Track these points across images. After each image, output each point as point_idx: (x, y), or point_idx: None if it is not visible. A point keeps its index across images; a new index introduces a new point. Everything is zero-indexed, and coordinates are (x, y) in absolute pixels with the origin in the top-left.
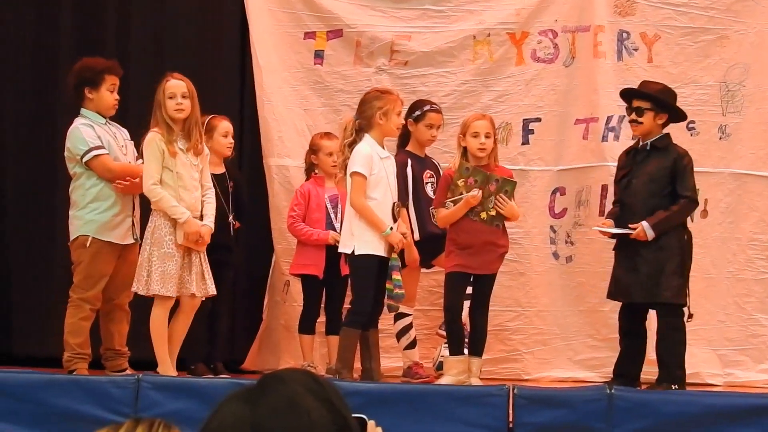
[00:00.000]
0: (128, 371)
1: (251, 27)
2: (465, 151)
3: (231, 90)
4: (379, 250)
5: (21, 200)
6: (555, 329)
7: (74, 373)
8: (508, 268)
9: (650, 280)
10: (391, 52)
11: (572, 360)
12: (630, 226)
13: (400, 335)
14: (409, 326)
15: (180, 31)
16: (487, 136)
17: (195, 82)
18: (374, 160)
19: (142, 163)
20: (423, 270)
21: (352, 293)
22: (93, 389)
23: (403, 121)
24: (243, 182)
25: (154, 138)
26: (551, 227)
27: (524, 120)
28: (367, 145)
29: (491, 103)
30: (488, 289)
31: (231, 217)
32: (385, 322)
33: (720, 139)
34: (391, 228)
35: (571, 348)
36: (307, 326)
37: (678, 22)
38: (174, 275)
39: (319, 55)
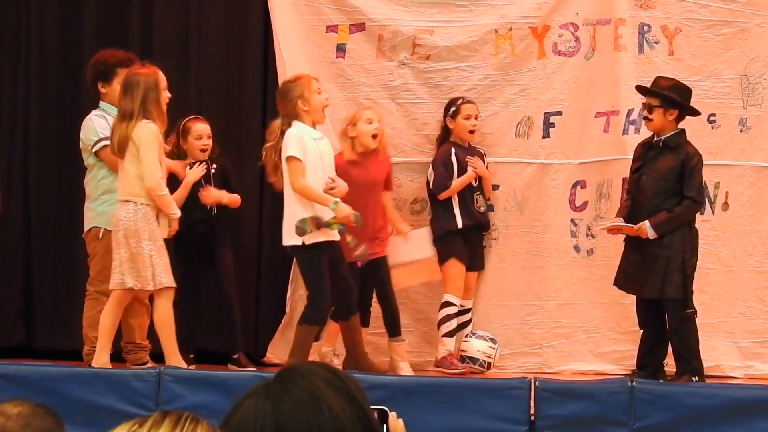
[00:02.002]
0: (149, 364)
1: (274, 20)
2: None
3: (254, 84)
4: (328, 235)
5: (44, 194)
6: (576, 322)
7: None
8: (527, 261)
9: (656, 277)
10: (414, 46)
11: (594, 353)
12: (631, 225)
13: (441, 322)
14: (453, 315)
15: (203, 26)
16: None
17: (219, 76)
18: (306, 140)
19: None
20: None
21: (308, 288)
22: (115, 382)
23: (327, 96)
24: (230, 168)
25: (156, 130)
26: (572, 220)
27: (545, 114)
28: (296, 128)
29: (513, 98)
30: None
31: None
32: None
33: (741, 132)
34: (336, 202)
35: (592, 341)
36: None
37: (699, 15)
38: (169, 265)
39: (341, 49)
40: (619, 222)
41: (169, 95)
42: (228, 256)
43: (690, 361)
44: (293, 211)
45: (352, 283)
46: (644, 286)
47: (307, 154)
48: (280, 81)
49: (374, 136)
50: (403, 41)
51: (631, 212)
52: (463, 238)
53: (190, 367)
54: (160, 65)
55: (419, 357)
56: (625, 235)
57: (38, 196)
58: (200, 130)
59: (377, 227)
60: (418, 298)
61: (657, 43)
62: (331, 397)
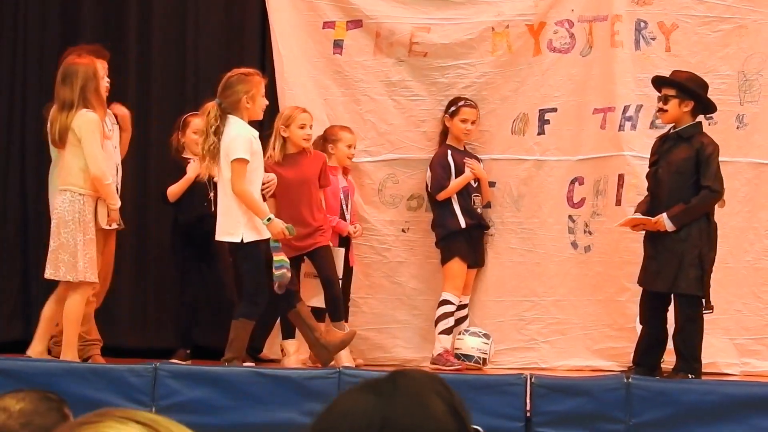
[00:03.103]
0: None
1: (271, 17)
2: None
3: None
4: (266, 233)
5: (41, 189)
6: (573, 319)
7: (89, 360)
8: (523, 258)
9: (670, 271)
10: (411, 44)
11: (590, 349)
12: (649, 218)
13: (439, 320)
14: (451, 313)
15: (201, 22)
16: None
17: (216, 72)
18: (253, 142)
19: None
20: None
21: (246, 283)
22: (111, 378)
23: (267, 102)
24: None
25: (96, 119)
26: (570, 217)
27: (540, 110)
28: (241, 128)
29: (509, 95)
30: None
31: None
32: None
33: (737, 128)
34: (269, 218)
35: (589, 337)
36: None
37: (696, 11)
38: (96, 261)
39: (338, 45)
40: (638, 216)
41: (109, 82)
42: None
43: (690, 361)
44: (230, 209)
45: (292, 275)
46: (656, 279)
47: (253, 155)
48: (278, 77)
49: (305, 140)
50: (401, 38)
51: (651, 207)
52: (466, 238)
53: (186, 363)
54: (157, 62)
55: (415, 353)
56: (645, 232)
57: (35, 192)
58: (198, 125)
59: (316, 221)
60: (415, 294)
61: (654, 39)
62: (439, 407)
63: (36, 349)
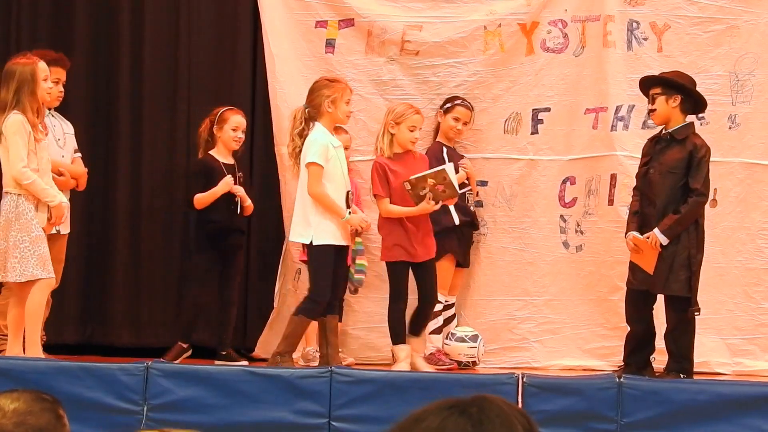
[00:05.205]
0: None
1: (263, 15)
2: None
3: (244, 79)
4: (338, 239)
5: None
6: (565, 318)
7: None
8: (515, 257)
9: (660, 272)
10: (402, 42)
11: (581, 349)
12: (643, 237)
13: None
14: (440, 312)
15: (194, 21)
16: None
17: (208, 71)
18: (329, 149)
19: (79, 156)
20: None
21: (310, 283)
22: (103, 376)
23: (352, 110)
24: (246, 176)
25: (21, 121)
26: (561, 216)
27: (533, 110)
28: (320, 133)
29: (501, 94)
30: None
31: (239, 201)
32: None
33: (730, 128)
34: (349, 213)
35: (580, 337)
36: None
37: (688, 11)
38: (48, 256)
39: (330, 44)
40: (637, 237)
41: (51, 86)
42: (242, 256)
43: (681, 361)
44: (307, 213)
45: (341, 287)
46: (648, 281)
47: (329, 161)
48: (269, 76)
49: (412, 142)
50: (392, 37)
51: (641, 208)
52: (458, 236)
53: (179, 361)
54: (150, 60)
55: None
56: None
57: None
58: (238, 122)
59: (427, 225)
60: None
61: (646, 39)
62: None
63: (13, 351)
